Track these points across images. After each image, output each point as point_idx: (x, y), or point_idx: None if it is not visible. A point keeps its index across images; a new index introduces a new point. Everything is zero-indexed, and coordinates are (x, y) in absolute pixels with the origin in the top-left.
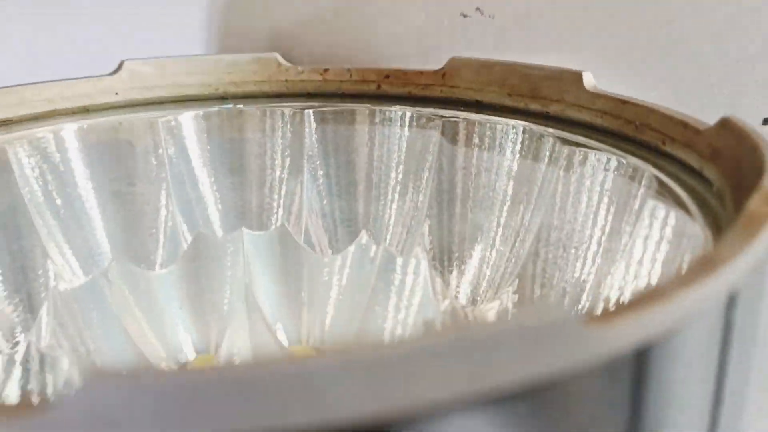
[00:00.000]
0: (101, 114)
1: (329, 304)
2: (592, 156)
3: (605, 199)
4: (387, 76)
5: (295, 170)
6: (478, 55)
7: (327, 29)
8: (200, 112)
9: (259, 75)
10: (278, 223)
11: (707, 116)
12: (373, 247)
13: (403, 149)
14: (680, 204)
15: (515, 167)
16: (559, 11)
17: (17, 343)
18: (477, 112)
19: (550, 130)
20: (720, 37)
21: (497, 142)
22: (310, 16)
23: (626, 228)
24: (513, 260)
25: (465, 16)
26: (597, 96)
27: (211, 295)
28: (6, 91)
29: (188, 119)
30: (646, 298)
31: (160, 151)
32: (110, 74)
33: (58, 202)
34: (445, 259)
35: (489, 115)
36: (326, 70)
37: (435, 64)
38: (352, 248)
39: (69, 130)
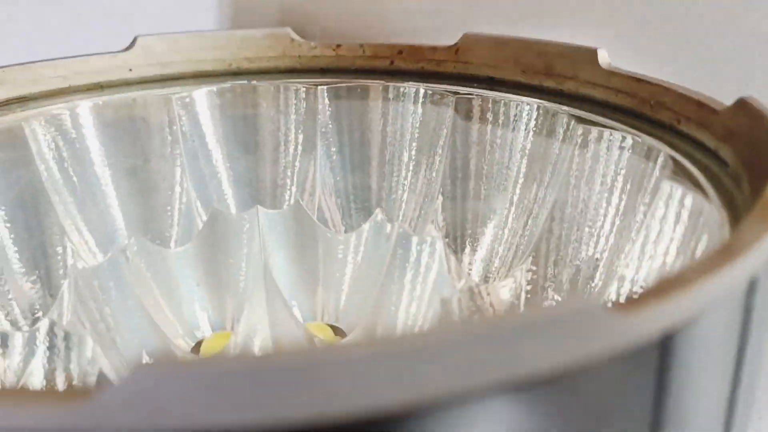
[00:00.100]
0: (115, 90)
1: (344, 282)
2: (607, 134)
3: (620, 178)
4: (400, 52)
5: (309, 146)
6: (492, 31)
7: (339, 4)
8: (214, 88)
9: (272, 50)
10: (291, 200)
11: (721, 92)
12: (388, 225)
13: (417, 126)
14: (696, 184)
15: (529, 144)
16: None
17: (36, 320)
18: (490, 89)
19: (565, 107)
20: (734, 13)
21: (511, 120)
22: None
23: (641, 207)
24: (526, 237)
25: None
26: (612, 74)
27: (227, 273)
28: (21, 68)
29: (202, 95)
30: (670, 284)
31: (175, 127)
32: (124, 50)
33: (75, 179)
34: (457, 236)
35: (502, 91)
36: (339, 45)
37: (448, 39)
38: (367, 226)
39: (84, 106)
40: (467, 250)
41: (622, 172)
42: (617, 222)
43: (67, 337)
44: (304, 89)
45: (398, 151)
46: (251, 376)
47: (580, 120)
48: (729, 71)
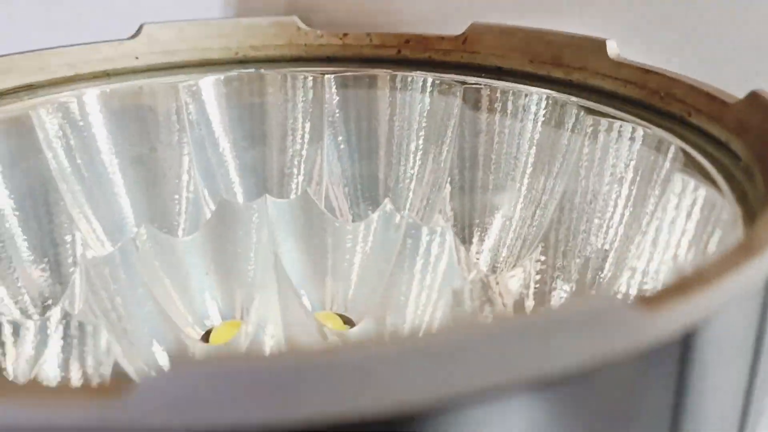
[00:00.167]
0: (122, 78)
1: (353, 272)
2: (617, 125)
3: (630, 169)
4: (407, 41)
5: (316, 135)
6: (499, 21)
7: None
8: (221, 76)
9: (278, 39)
10: (299, 189)
11: (729, 83)
12: (397, 215)
13: (424, 115)
14: (708, 177)
15: (538, 135)
16: None
17: (47, 308)
18: (498, 79)
19: (573, 98)
20: (741, 4)
21: (520, 110)
22: None
23: (651, 199)
24: (534, 227)
25: None
26: (621, 65)
27: (236, 262)
28: (27, 56)
29: (209, 84)
30: (691, 282)
31: (181, 115)
32: (130, 38)
33: (82, 167)
34: (465, 225)
35: (510, 81)
36: (346, 34)
37: (455, 29)
38: (375, 216)
39: (91, 94)
40: (475, 239)
41: (633, 163)
42: (627, 213)
43: (80, 326)
44: (312, 78)
45: (406, 140)
46: (286, 375)
47: (590, 111)
48: (737, 62)
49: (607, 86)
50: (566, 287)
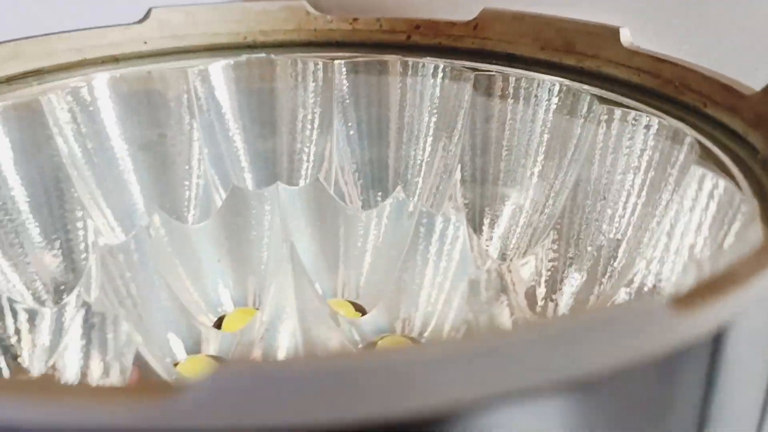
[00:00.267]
0: (130, 63)
1: (365, 259)
2: (631, 116)
3: (644, 159)
4: (417, 27)
5: (326, 122)
6: (511, 7)
7: None
8: (231, 61)
9: (288, 24)
10: (308, 175)
11: (742, 70)
12: (410, 203)
13: (435, 102)
14: (724, 170)
15: (550, 123)
16: None
17: (61, 296)
18: (509, 66)
19: (586, 86)
20: None
21: (531, 97)
22: None
23: (666, 190)
24: (546, 215)
25: None
26: (634, 53)
27: (248, 249)
28: (36, 41)
29: (218, 69)
30: (723, 281)
31: (191, 101)
32: (138, 23)
33: (93, 153)
34: (476, 212)
35: (521, 68)
36: (355, 19)
37: (466, 14)
38: (388, 203)
39: (101, 79)
40: (485, 226)
41: (647, 153)
42: (640, 203)
43: (99, 316)
44: (322, 63)
45: (416, 126)
46: (334, 378)
47: (603, 100)
48: (749, 49)
49: (621, 75)
50: (578, 275)
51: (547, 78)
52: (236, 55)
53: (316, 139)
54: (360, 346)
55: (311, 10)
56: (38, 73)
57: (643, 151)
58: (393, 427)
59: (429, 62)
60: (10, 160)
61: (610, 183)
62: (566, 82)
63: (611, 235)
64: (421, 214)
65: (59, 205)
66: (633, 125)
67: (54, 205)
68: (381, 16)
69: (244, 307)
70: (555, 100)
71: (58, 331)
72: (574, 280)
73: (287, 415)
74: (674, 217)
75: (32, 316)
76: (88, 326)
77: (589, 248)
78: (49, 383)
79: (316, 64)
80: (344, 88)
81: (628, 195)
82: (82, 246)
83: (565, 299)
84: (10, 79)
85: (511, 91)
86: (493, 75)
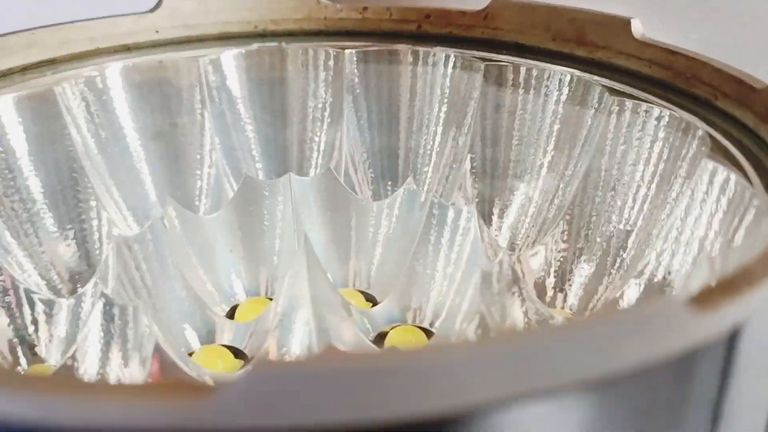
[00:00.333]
0: (143, 53)
1: (376, 249)
2: (643, 108)
3: (655, 152)
4: (428, 16)
5: (337, 111)
6: None
7: None
8: (242, 50)
9: (298, 13)
10: (318, 164)
11: (751, 60)
12: (421, 193)
13: (446, 91)
14: (736, 164)
15: (560, 113)
16: None
17: (76, 287)
18: (520, 56)
19: (597, 77)
20: None
21: (542, 88)
22: None
23: (677, 183)
24: (556, 205)
25: None
26: (646, 45)
27: (260, 239)
28: (50, 30)
29: (229, 58)
30: (739, 280)
31: (203, 90)
32: (150, 11)
33: (106, 143)
34: (486, 201)
35: (532, 59)
36: (365, 8)
37: (477, 3)
38: (399, 193)
39: (114, 69)
40: (495, 216)
41: (658, 145)
42: (651, 195)
43: (119, 308)
44: (334, 53)
45: (427, 116)
46: (370, 375)
47: (614, 92)
48: (759, 39)
49: (632, 66)
50: (587, 266)
51: (558, 68)
52: (247, 44)
53: (326, 128)
54: (372, 335)
55: None
56: (52, 63)
57: (653, 142)
58: (420, 426)
59: (439, 52)
60: (25, 149)
61: (621, 174)
62: (577, 72)
63: (621, 226)
64: (432, 204)
65: (73, 195)
66: (644, 117)
67: (68, 195)
68: (391, 5)
69: (257, 296)
70: (566, 90)
71: (75, 322)
72: (583, 271)
73: (315, 415)
74: (684, 210)
75: (49, 306)
76: (107, 318)
77: (598, 239)
78: (80, 383)
79: (327, 54)
80: (355, 77)
81: (639, 186)
82: (96, 236)
83: (574, 290)
84: (25, 69)
85: (521, 81)
86: (504, 65)
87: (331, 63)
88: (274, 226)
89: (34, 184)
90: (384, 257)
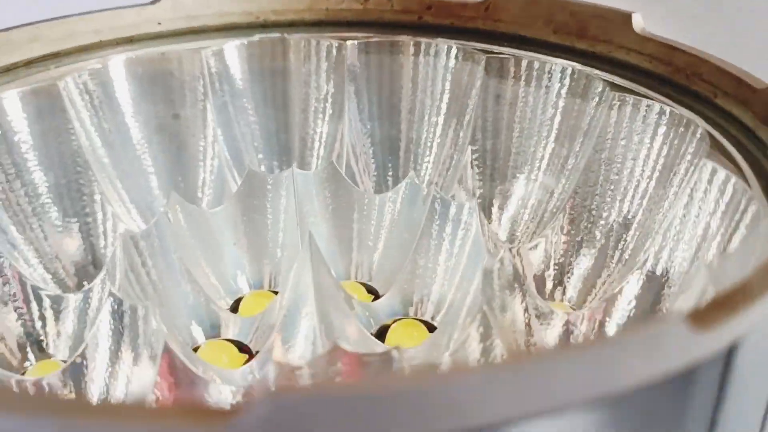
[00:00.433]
0: (145, 44)
1: (379, 242)
2: (643, 104)
3: (656, 147)
4: (429, 7)
5: (338, 102)
6: None
7: None
8: (244, 41)
9: (299, 3)
10: (320, 155)
11: (752, 54)
12: (423, 187)
13: (447, 83)
14: (735, 165)
15: (561, 106)
16: None
17: (82, 282)
18: (521, 48)
19: (598, 71)
20: None
21: (544, 81)
22: None
23: (676, 179)
24: (556, 198)
25: None
26: (646, 40)
27: (264, 233)
28: (54, 23)
29: (231, 49)
30: (737, 295)
31: (205, 81)
32: (153, 3)
33: (109, 135)
34: (486, 194)
35: (533, 51)
36: None
37: None
38: (402, 186)
39: (117, 61)
40: (495, 208)
41: (658, 141)
42: (650, 190)
43: (128, 306)
44: (336, 44)
45: (428, 108)
46: (384, 401)
47: (615, 87)
48: (760, 33)
49: (632, 60)
50: (587, 260)
51: (559, 61)
52: (249, 35)
53: (328, 119)
54: (374, 329)
55: None
56: (56, 56)
57: (653, 138)
58: None
59: (441, 43)
60: (30, 144)
61: (621, 168)
62: (578, 66)
63: (621, 221)
64: (434, 199)
65: (77, 188)
66: (645, 113)
67: (73, 189)
68: None
69: (261, 289)
70: (567, 83)
71: (82, 318)
72: (582, 264)
73: None
74: (684, 208)
75: (56, 302)
76: (116, 317)
77: (598, 233)
78: (105, 406)
79: (329, 45)
80: (356, 68)
81: (638, 181)
82: (101, 229)
83: (573, 282)
84: (29, 63)
85: (522, 73)
86: (505, 57)
87: (333, 54)
88: (277, 219)
89: (39, 178)
90: (386, 250)
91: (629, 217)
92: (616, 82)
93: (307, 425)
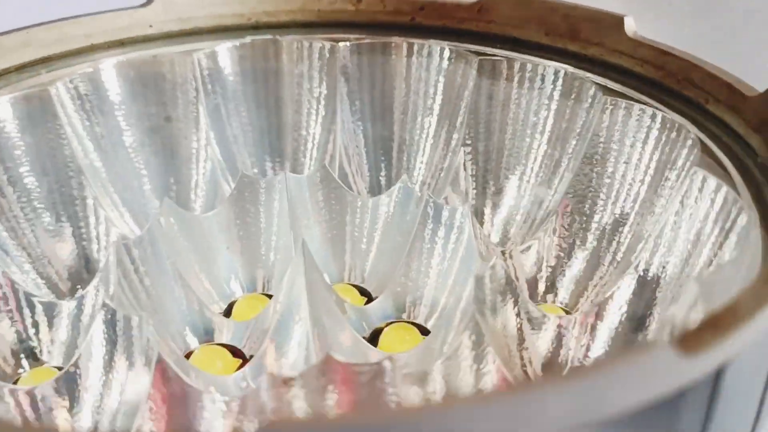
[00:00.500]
0: (137, 47)
1: (371, 245)
2: (635, 108)
3: (647, 152)
4: (422, 8)
5: (331, 104)
6: None
7: None
8: (236, 43)
9: (291, 4)
10: (313, 156)
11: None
12: (416, 190)
13: (440, 85)
14: (725, 174)
15: (553, 110)
16: None
17: (76, 288)
18: (513, 50)
19: (590, 74)
20: None
21: (536, 83)
22: None
23: (667, 186)
24: (548, 201)
25: None
26: (638, 44)
27: (257, 236)
28: (45, 28)
29: (223, 51)
30: (724, 319)
31: (197, 84)
32: (143, 5)
33: (101, 139)
34: (479, 195)
35: (526, 53)
36: (359, 0)
37: None
38: (395, 190)
39: (108, 65)
40: (488, 209)
41: (650, 146)
42: (642, 195)
43: (121, 316)
44: (328, 45)
45: (421, 109)
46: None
47: (607, 90)
48: (749, 32)
49: (624, 64)
50: (579, 263)
51: (552, 64)
52: (241, 36)
53: (321, 120)
54: (367, 332)
55: None
56: (48, 61)
57: (645, 142)
58: None
59: (434, 45)
60: (22, 149)
61: (614, 172)
62: (570, 69)
63: (612, 223)
64: (427, 202)
65: (69, 193)
66: (637, 117)
67: (65, 193)
68: None
69: (254, 293)
70: (559, 86)
71: (76, 325)
72: (575, 267)
73: None
74: (675, 214)
75: (49, 309)
76: (110, 326)
77: (590, 235)
78: None
79: (321, 46)
80: (349, 70)
81: (630, 185)
82: (93, 233)
83: (566, 285)
84: (21, 68)
85: (515, 75)
86: (498, 59)
87: (325, 55)
88: (270, 223)
89: (31, 183)
90: (379, 253)
91: (622, 220)
92: (608, 85)
93: None
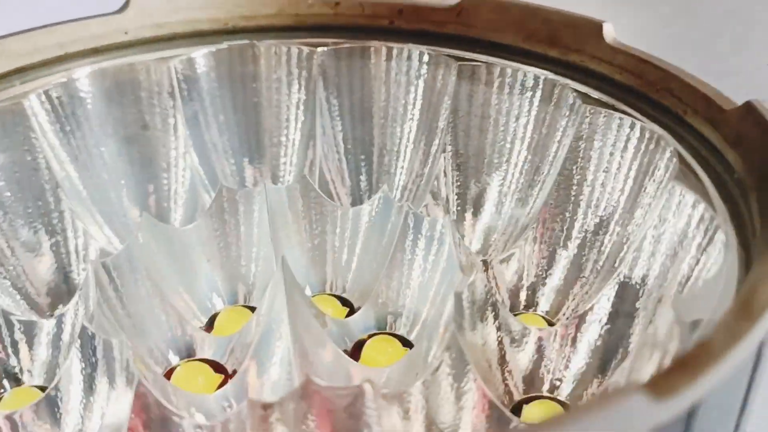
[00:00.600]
0: (112, 55)
1: (352, 255)
2: (615, 116)
3: (626, 161)
4: (400, 11)
5: (309, 109)
6: None
7: None
8: (212, 48)
9: (268, 8)
10: (293, 162)
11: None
12: (396, 199)
13: (419, 90)
14: (702, 189)
15: (533, 115)
16: None
17: (55, 305)
18: (492, 54)
19: (569, 81)
20: None
21: (516, 89)
22: None
23: (646, 197)
24: (529, 208)
25: None
26: (617, 51)
27: (236, 248)
28: (18, 38)
29: (200, 57)
30: (697, 358)
31: (174, 91)
32: (118, 12)
33: (78, 151)
34: (459, 201)
35: (505, 58)
36: (337, 3)
37: None
38: (375, 199)
39: (82, 74)
40: (468, 215)
41: (628, 156)
42: (621, 206)
43: (100, 341)
44: (306, 50)
45: (400, 114)
46: None
47: (587, 98)
48: (728, 34)
49: (604, 71)
50: (560, 271)
51: (531, 69)
52: (218, 41)
53: (300, 126)
54: (349, 345)
55: None
56: (21, 71)
57: (624, 152)
58: None
59: (413, 49)
60: None
61: (594, 180)
62: (550, 75)
63: (593, 232)
64: (407, 214)
65: (46, 206)
66: (617, 127)
67: (42, 207)
68: (363, 0)
69: (235, 305)
70: (539, 92)
71: (56, 345)
72: (556, 275)
73: None
74: (654, 228)
75: (28, 327)
76: (90, 350)
77: (571, 244)
78: None
79: (299, 51)
80: (328, 74)
81: (610, 194)
82: (72, 245)
83: (547, 294)
84: None
85: (495, 81)
86: (477, 65)
87: (303, 60)
88: (250, 234)
89: (6, 198)
90: (360, 263)
91: (603, 227)
92: (588, 93)
93: None
